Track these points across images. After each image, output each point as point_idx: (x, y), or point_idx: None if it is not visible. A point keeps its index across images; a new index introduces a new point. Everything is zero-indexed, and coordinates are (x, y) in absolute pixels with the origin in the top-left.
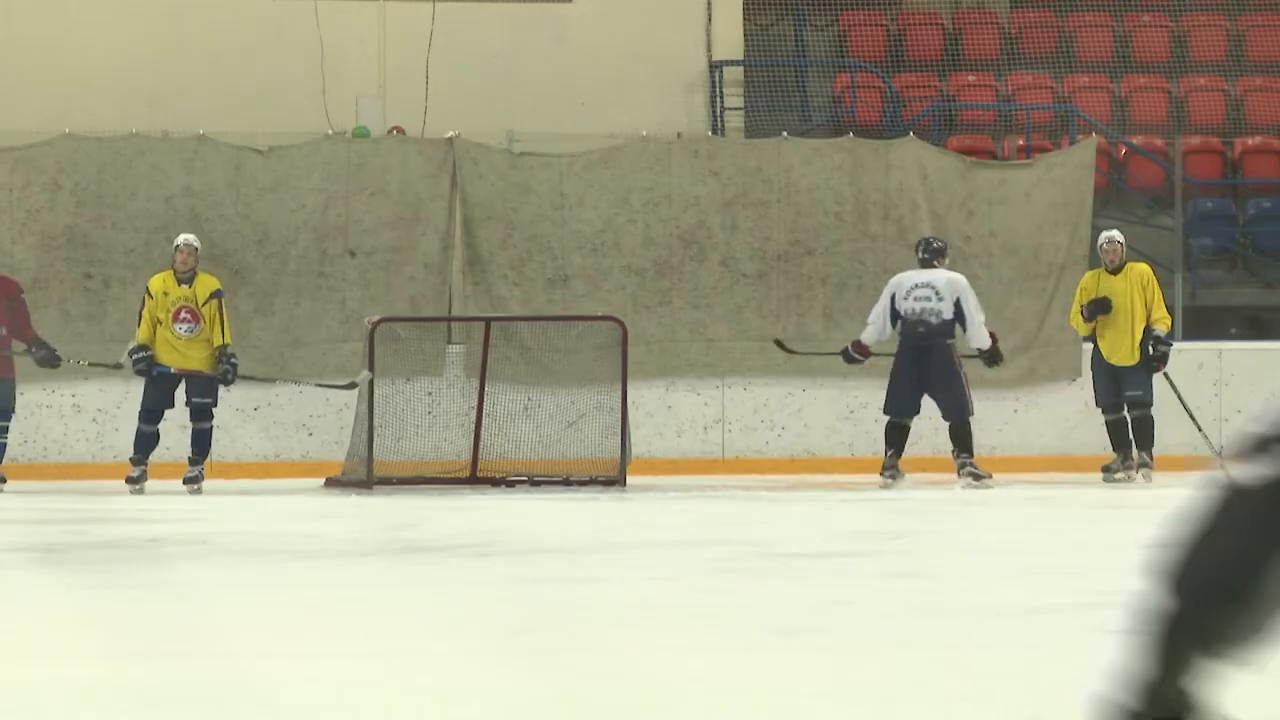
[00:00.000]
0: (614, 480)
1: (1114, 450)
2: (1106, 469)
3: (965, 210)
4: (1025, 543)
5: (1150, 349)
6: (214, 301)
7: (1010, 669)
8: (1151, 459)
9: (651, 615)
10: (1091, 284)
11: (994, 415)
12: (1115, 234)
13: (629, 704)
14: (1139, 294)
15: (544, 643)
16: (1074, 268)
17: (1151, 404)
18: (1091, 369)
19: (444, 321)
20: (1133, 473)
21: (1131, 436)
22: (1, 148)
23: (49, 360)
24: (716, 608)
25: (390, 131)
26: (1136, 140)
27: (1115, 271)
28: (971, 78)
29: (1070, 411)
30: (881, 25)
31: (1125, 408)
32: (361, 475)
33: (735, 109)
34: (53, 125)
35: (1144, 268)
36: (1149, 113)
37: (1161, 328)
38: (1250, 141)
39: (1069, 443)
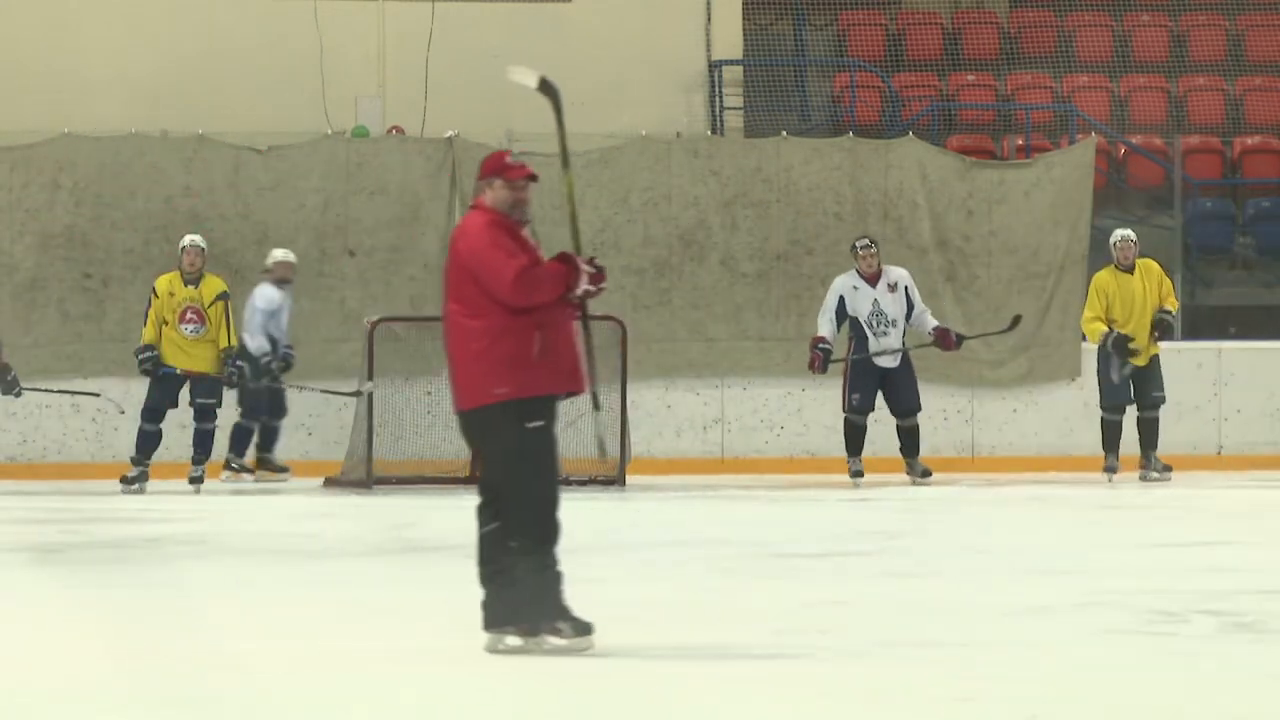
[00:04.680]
0: (614, 480)
1: (1106, 449)
2: (1110, 469)
3: (965, 210)
4: (1025, 543)
5: (1156, 324)
6: (220, 303)
7: (1010, 669)
8: (1157, 460)
9: (651, 615)
10: (1110, 283)
11: (994, 415)
12: (1129, 232)
13: (629, 704)
14: (1155, 292)
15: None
16: (1073, 267)
17: (1163, 403)
18: (1101, 368)
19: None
20: (1115, 475)
21: (1139, 436)
22: (1, 147)
23: (9, 388)
24: (716, 608)
25: (390, 131)
26: (1136, 140)
27: (1129, 270)
28: (971, 77)
29: (1070, 411)
30: (881, 25)
31: (1140, 409)
32: (361, 475)
33: (735, 109)
34: (53, 125)
35: (1155, 264)
36: (1148, 112)
37: (1170, 306)
38: (1250, 141)
39: (1068, 442)
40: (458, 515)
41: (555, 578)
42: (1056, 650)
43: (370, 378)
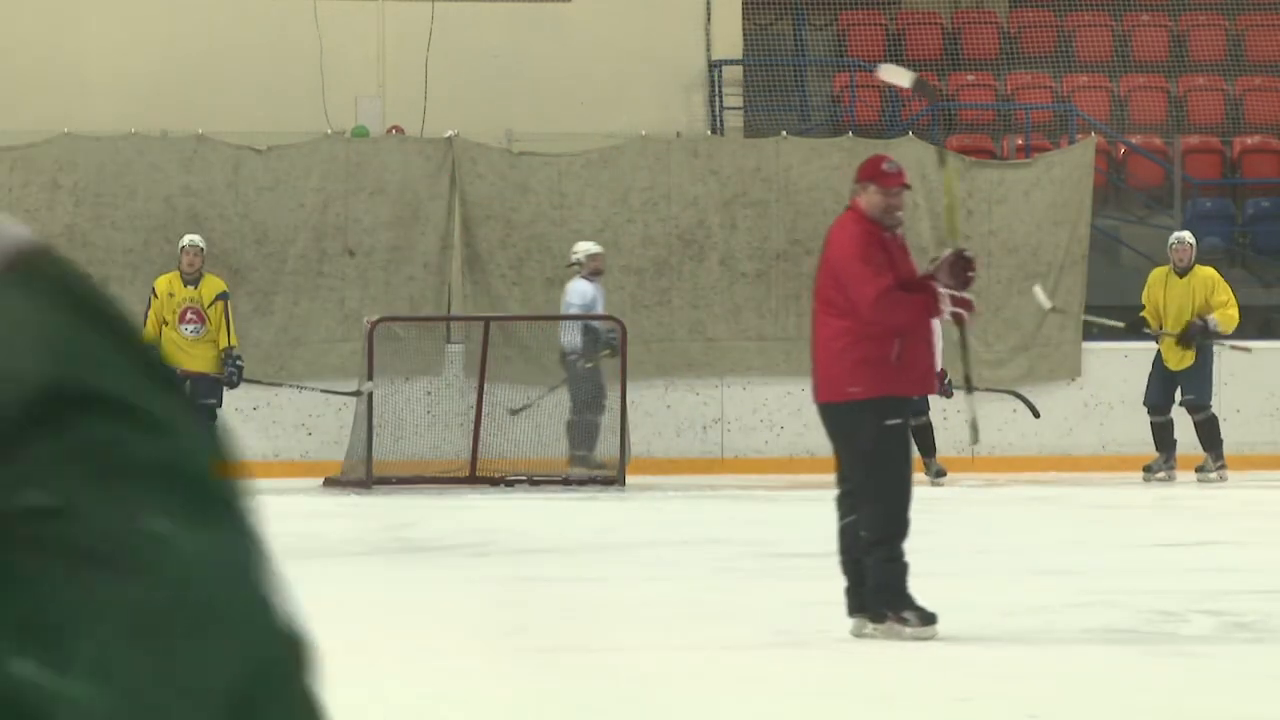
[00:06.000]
0: (613, 480)
1: (1157, 450)
2: (1148, 469)
3: (965, 210)
4: (1025, 543)
5: (1184, 330)
6: (220, 303)
7: (1010, 669)
8: (1221, 458)
9: (651, 615)
10: (1158, 283)
11: (994, 415)
12: (1185, 235)
13: (627, 704)
14: (1200, 299)
15: (543, 642)
16: (1073, 267)
17: (1209, 406)
18: (1151, 369)
19: (443, 321)
20: (1174, 473)
21: (1198, 439)
22: (1, 147)
23: None
24: (716, 608)
25: (389, 131)
26: (1135, 140)
27: (1182, 274)
28: (970, 77)
29: (1070, 411)
30: (880, 25)
31: (1188, 411)
32: (361, 475)
33: (734, 108)
34: (53, 125)
35: (1209, 272)
36: (1148, 112)
37: (1216, 316)
38: (1249, 141)
39: (1068, 442)
40: (457, 515)
41: (902, 569)
42: (1056, 650)
43: (370, 378)
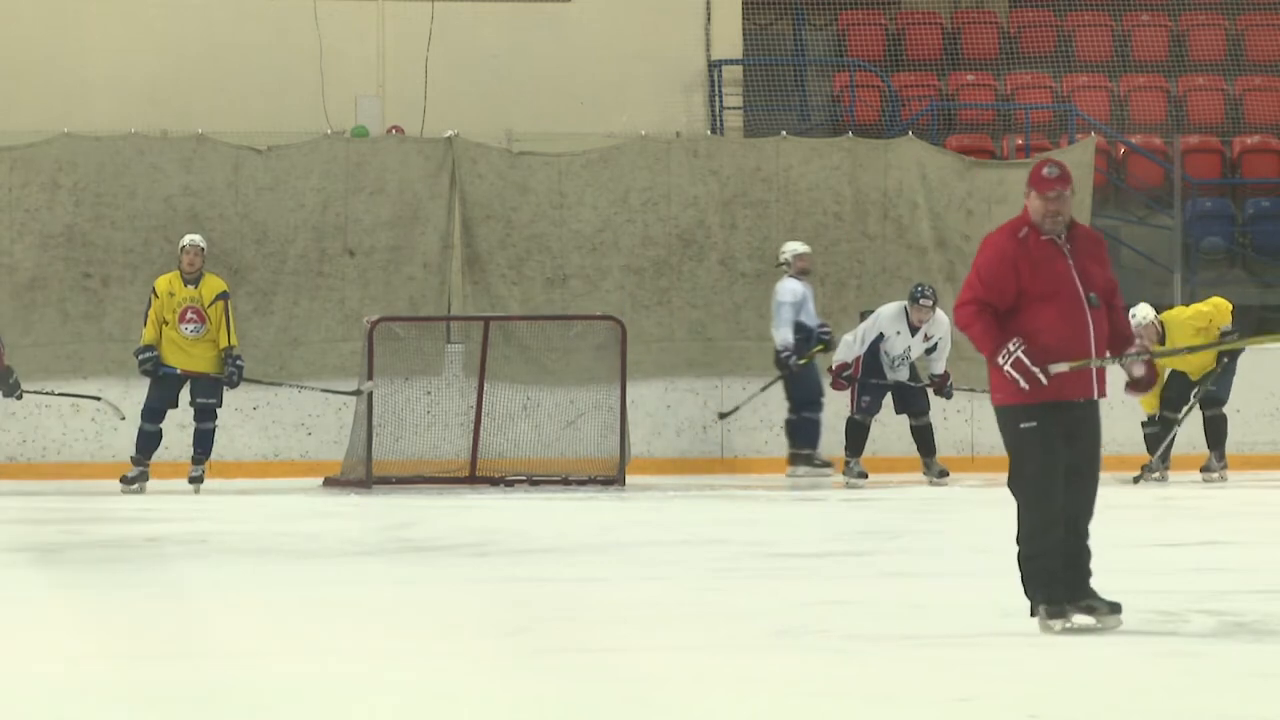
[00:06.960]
0: (613, 480)
1: (1148, 451)
2: (1146, 468)
3: (964, 210)
4: None
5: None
6: (220, 303)
7: (1010, 669)
8: (1224, 458)
9: (651, 615)
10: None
11: (993, 415)
12: (1141, 316)
13: (628, 704)
14: (1188, 339)
15: (542, 642)
16: None
17: (1224, 404)
18: (1171, 370)
19: (443, 321)
20: (1168, 473)
21: (1205, 434)
22: (1, 147)
23: (11, 391)
24: (716, 608)
25: (389, 131)
26: (1135, 139)
27: (1161, 341)
28: (970, 77)
29: None
30: (880, 25)
31: (1202, 406)
32: (360, 475)
33: (734, 108)
34: (53, 125)
35: (1172, 319)
36: (1148, 112)
37: (1225, 323)
38: (1249, 141)
39: None
40: (457, 515)
41: (1041, 566)
42: (1056, 650)
43: (370, 377)
